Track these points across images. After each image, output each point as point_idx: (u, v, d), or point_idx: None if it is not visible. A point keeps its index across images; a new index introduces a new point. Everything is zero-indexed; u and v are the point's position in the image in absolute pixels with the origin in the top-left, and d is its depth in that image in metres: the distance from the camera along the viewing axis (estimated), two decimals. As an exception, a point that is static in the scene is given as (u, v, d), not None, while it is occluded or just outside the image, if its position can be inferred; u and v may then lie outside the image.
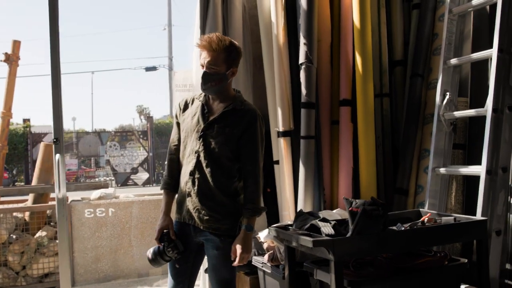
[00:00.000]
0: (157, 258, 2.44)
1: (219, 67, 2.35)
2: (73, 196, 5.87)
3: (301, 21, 3.30)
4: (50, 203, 5.66)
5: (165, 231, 2.44)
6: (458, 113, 3.11)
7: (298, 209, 3.32)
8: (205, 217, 2.37)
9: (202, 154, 2.37)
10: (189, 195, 2.41)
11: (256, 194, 2.38)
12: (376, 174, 3.42)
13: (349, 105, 3.40)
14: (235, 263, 2.32)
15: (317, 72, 3.41)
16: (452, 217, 2.62)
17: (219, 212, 2.37)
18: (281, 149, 3.43)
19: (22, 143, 16.48)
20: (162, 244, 2.43)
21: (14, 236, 5.17)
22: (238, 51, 2.44)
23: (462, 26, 3.30)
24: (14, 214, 5.30)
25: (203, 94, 2.48)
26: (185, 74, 3.96)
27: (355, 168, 3.39)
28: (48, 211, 5.54)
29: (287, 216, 3.41)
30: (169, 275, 2.53)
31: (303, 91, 3.27)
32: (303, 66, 3.27)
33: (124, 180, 17.55)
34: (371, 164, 3.34)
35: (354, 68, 3.36)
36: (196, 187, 2.39)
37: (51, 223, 5.44)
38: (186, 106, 2.55)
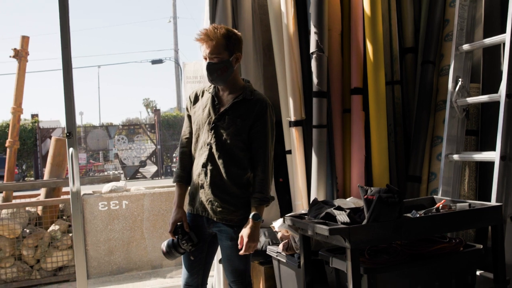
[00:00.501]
0: (172, 251, 2.45)
1: (221, 54, 2.35)
2: (84, 189, 5.92)
3: (311, 10, 3.29)
4: (62, 197, 5.71)
5: (178, 223, 2.46)
6: (471, 99, 3.09)
7: (311, 199, 3.33)
8: (218, 209, 2.38)
9: (214, 146, 2.38)
10: (202, 187, 2.43)
11: (265, 183, 2.38)
12: (389, 162, 3.41)
13: (360, 93, 3.39)
14: (241, 252, 2.33)
15: (328, 61, 3.40)
16: (467, 203, 2.62)
17: (232, 204, 2.39)
18: (293, 138, 3.43)
19: (30, 138, 16.56)
20: (176, 237, 2.44)
21: (27, 231, 5.23)
22: (238, 37, 2.44)
23: (474, 11, 3.27)
24: (27, 208, 5.36)
25: (213, 86, 2.49)
26: (195, 66, 3.96)
27: (367, 156, 3.38)
28: (60, 205, 5.58)
29: (300, 205, 3.41)
30: (183, 266, 2.55)
31: (315, 80, 3.26)
32: (314, 55, 3.26)
33: (132, 173, 17.63)
34: (383, 152, 3.33)
35: (365, 56, 3.35)
36: (209, 179, 2.40)
37: (64, 217, 5.50)
38: (196, 99, 2.55)
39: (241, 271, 2.45)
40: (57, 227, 5.33)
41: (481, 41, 3.13)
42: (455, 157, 3.09)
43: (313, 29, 3.26)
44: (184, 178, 2.53)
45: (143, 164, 18.31)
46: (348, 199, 3.13)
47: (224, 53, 2.36)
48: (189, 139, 2.54)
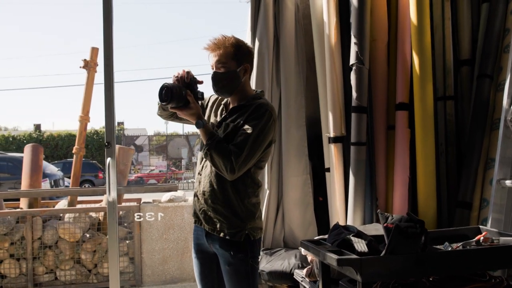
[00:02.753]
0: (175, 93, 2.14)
1: (228, 64, 2.20)
2: (145, 197, 6.03)
3: (352, 19, 3.09)
4: (123, 204, 5.84)
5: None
6: (529, 118, 2.73)
7: (349, 221, 3.11)
8: (211, 220, 2.22)
9: None
10: (195, 195, 2.30)
11: (224, 150, 2.10)
12: (438, 184, 3.11)
13: (406, 109, 3.12)
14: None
15: (372, 74, 3.17)
16: (514, 238, 2.29)
17: (224, 215, 2.21)
18: (332, 156, 3.23)
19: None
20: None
21: (87, 235, 5.39)
22: (248, 47, 2.28)
23: (538, 20, 2.90)
24: (91, 213, 5.53)
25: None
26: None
27: (412, 178, 3.10)
28: (121, 212, 5.72)
29: (337, 227, 3.20)
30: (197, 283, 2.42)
31: (354, 94, 3.05)
32: (353, 68, 3.05)
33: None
34: (429, 174, 3.04)
35: (412, 68, 3.08)
36: (201, 188, 2.25)
37: (125, 224, 5.61)
38: (212, 104, 2.42)
39: None
40: (116, 233, 5.45)
41: (544, 53, 2.76)
42: (508, 182, 2.74)
43: (353, 39, 3.05)
44: None
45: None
46: (371, 225, 2.88)
47: (231, 62, 2.22)
48: None
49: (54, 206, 6.29)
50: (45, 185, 9.31)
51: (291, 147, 3.39)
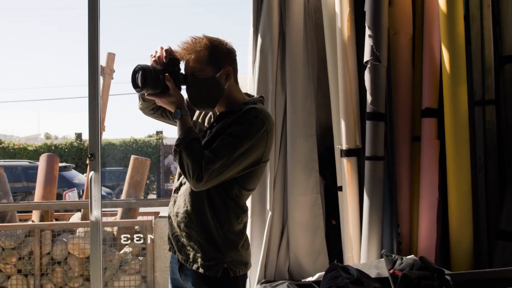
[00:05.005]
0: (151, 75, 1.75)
1: (204, 71, 1.77)
2: (163, 211, 5.68)
3: (366, 7, 2.57)
4: (139, 218, 5.51)
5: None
6: None
7: (362, 252, 2.57)
8: (184, 248, 1.79)
9: None
10: (169, 217, 1.86)
11: (190, 149, 1.68)
12: (475, 209, 2.55)
13: (434, 116, 2.57)
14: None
15: (393, 73, 2.65)
16: None
17: (199, 242, 1.76)
18: (344, 172, 2.71)
19: (155, 154, 17.22)
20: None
21: (99, 251, 5.08)
22: (225, 47, 1.81)
23: None
24: (105, 228, 5.22)
25: None
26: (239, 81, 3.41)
27: (443, 200, 2.55)
28: (136, 227, 5.38)
29: (350, 258, 2.67)
30: None
31: (368, 98, 2.53)
32: (368, 65, 2.53)
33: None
34: (464, 196, 2.47)
35: (441, 67, 2.53)
36: (175, 209, 1.82)
37: (139, 240, 5.29)
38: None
39: None
40: (129, 249, 5.12)
41: None
42: None
43: (367, 32, 2.53)
44: None
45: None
46: (374, 262, 2.33)
47: (207, 68, 1.78)
48: None
49: (68, 219, 6.05)
50: (73, 195, 9.16)
51: (298, 161, 2.87)
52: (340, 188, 2.78)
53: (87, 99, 3.06)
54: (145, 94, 1.81)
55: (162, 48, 1.83)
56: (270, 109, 2.90)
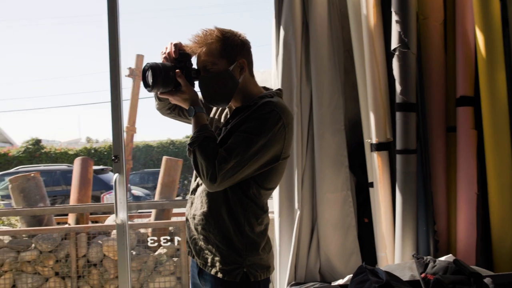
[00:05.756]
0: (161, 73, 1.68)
1: (215, 65, 1.68)
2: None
3: (393, -8, 2.41)
4: (173, 219, 5.49)
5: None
6: None
7: (396, 251, 2.42)
8: (202, 251, 1.71)
9: None
10: (187, 220, 1.78)
11: (204, 147, 1.59)
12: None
13: (470, 104, 2.40)
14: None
15: (424, 60, 2.49)
16: None
17: (217, 246, 1.67)
18: (375, 167, 2.56)
19: (189, 156, 17.29)
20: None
21: (134, 252, 5.07)
22: (239, 38, 1.71)
23: None
24: (139, 229, 5.22)
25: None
26: (263, 76, 3.28)
27: (483, 194, 2.37)
28: (170, 228, 5.36)
29: (384, 258, 2.52)
30: None
31: (398, 87, 2.37)
32: (396, 53, 2.38)
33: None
34: (505, 189, 2.29)
35: (477, 52, 2.35)
36: (192, 211, 1.74)
37: (174, 241, 5.27)
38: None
39: None
40: (164, 250, 5.10)
41: None
42: None
43: (394, 17, 2.37)
44: None
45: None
46: (408, 263, 2.17)
47: (220, 61, 1.69)
48: None
49: (104, 221, 6.09)
50: (111, 197, 9.23)
51: (326, 157, 2.73)
52: (372, 184, 2.63)
53: (128, 102, 3.05)
54: (158, 93, 1.74)
55: (172, 44, 1.75)
56: (295, 104, 2.78)
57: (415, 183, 2.37)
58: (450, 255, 2.25)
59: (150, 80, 1.66)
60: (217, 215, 1.67)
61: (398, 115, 2.38)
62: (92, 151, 16.56)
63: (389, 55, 2.55)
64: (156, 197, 5.55)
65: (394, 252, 2.44)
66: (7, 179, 6.64)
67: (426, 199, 2.41)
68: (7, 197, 7.60)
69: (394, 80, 2.49)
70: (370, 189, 2.66)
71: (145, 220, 5.98)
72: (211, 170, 1.55)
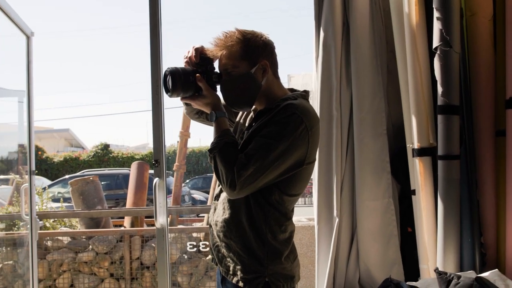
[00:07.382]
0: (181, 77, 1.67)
1: (237, 67, 1.64)
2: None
3: (434, -13, 2.27)
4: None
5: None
6: None
7: (438, 263, 2.27)
8: (224, 259, 1.68)
9: None
10: (210, 226, 1.76)
11: (224, 153, 1.56)
12: None
13: (521, 106, 2.21)
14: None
15: (471, 60, 2.32)
16: None
17: (238, 254, 1.62)
18: (417, 174, 2.41)
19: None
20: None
21: (185, 256, 5.12)
22: (260, 39, 1.67)
23: None
24: (192, 233, 5.28)
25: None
26: (304, 79, 3.19)
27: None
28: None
29: (426, 270, 2.37)
30: None
31: (439, 88, 2.23)
32: (437, 52, 2.23)
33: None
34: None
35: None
36: (214, 217, 1.72)
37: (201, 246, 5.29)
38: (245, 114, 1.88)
39: None
40: (214, 255, 5.13)
41: None
42: None
43: (435, 14, 2.23)
44: None
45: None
46: (487, 273, 1.99)
47: (242, 64, 1.65)
48: None
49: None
50: (169, 201, 9.40)
51: (366, 163, 2.61)
52: (414, 192, 2.49)
53: (182, 108, 3.05)
54: (180, 98, 1.72)
55: (193, 48, 1.73)
56: (335, 108, 2.68)
57: (459, 191, 2.21)
58: (496, 269, 2.07)
59: (170, 85, 1.65)
60: (238, 222, 1.63)
61: (439, 118, 2.23)
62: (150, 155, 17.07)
63: (432, 55, 2.40)
64: (209, 202, 5.59)
65: (436, 265, 2.28)
66: (70, 182, 6.93)
67: (471, 209, 2.24)
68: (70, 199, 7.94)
69: (436, 81, 2.34)
70: (413, 196, 2.51)
71: (198, 225, 6.04)
72: (231, 176, 1.51)
